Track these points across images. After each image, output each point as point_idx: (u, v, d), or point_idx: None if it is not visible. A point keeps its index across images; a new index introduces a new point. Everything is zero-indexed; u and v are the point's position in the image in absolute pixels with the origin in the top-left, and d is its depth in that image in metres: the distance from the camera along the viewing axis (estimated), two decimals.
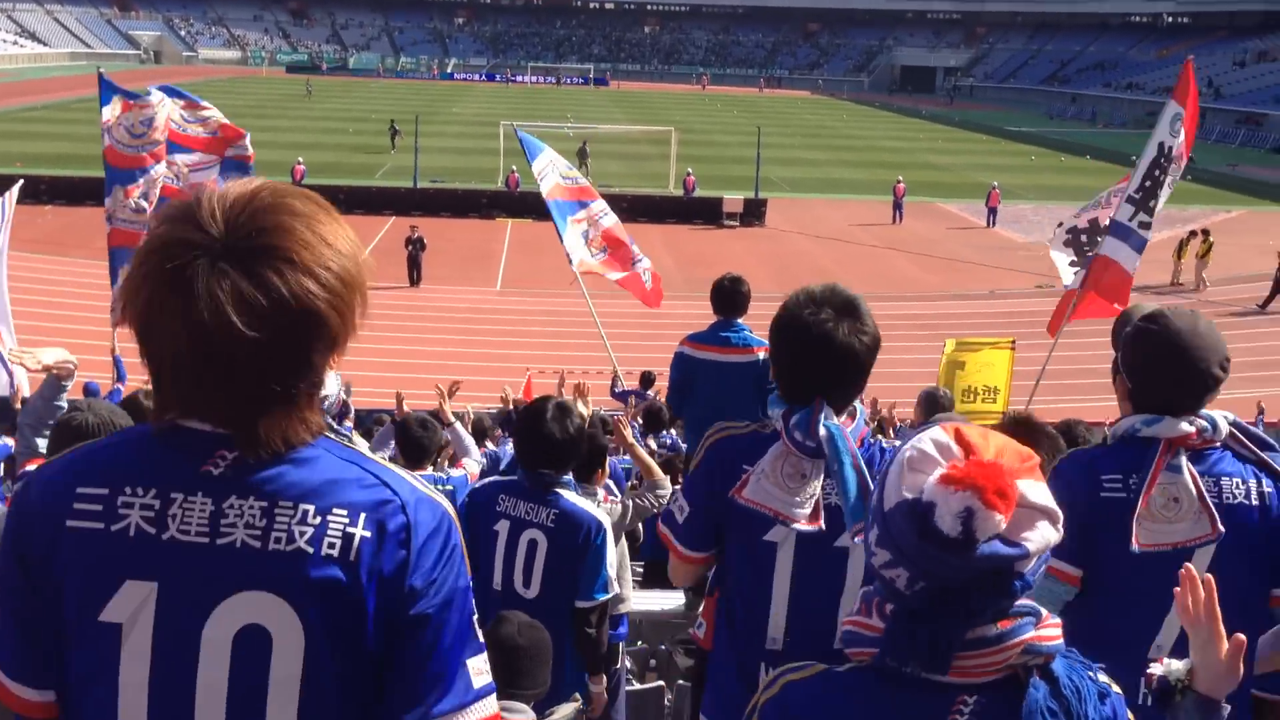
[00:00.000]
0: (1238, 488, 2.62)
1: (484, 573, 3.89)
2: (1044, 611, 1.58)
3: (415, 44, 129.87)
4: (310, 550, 1.44)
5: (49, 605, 1.47)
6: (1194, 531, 2.56)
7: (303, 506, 1.45)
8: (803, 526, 2.48)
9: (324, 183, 35.90)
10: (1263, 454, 2.66)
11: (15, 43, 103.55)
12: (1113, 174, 50.36)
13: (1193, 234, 28.71)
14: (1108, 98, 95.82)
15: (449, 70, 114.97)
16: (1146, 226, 9.38)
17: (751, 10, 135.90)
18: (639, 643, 5.76)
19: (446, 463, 6.54)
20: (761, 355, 6.50)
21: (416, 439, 5.57)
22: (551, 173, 13.23)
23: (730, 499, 2.53)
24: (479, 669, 1.56)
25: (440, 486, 5.55)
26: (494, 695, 1.58)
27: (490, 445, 9.08)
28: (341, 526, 1.46)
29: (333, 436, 1.55)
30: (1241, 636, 1.93)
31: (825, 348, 2.50)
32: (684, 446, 10.01)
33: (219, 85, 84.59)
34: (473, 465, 5.92)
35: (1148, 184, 9.27)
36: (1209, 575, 1.98)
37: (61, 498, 1.47)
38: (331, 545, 1.45)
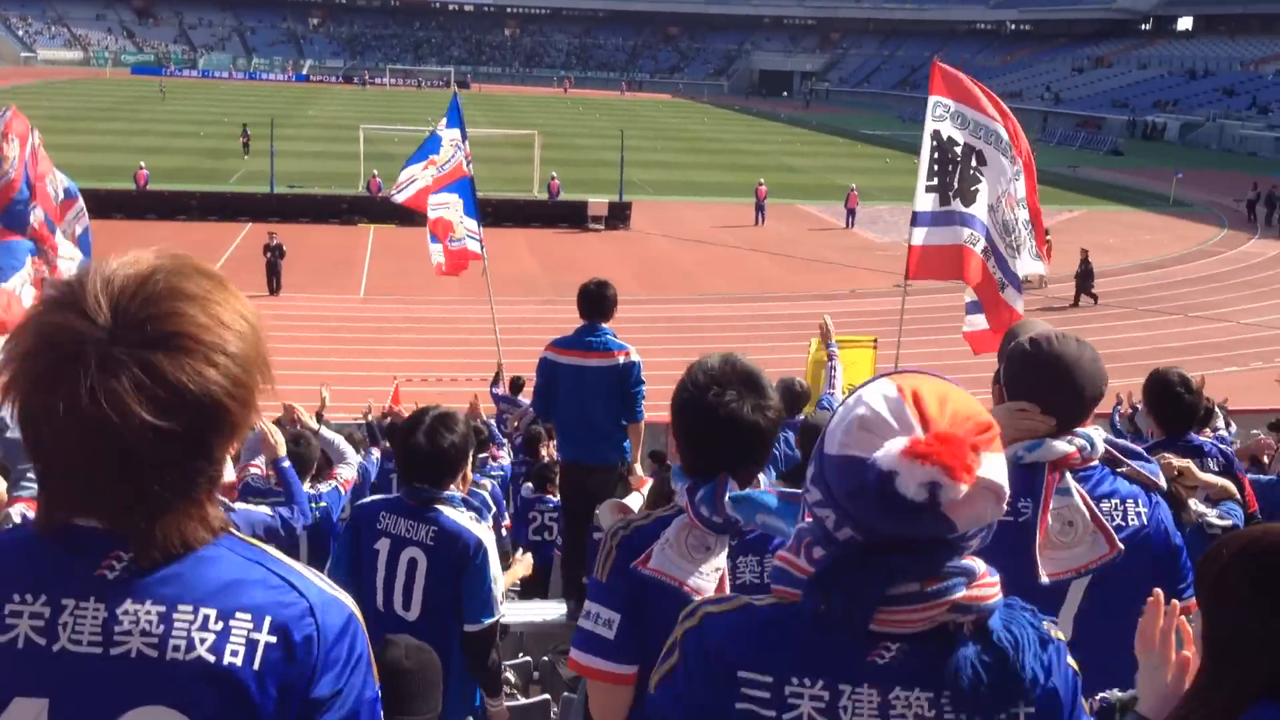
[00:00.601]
0: (1115, 509, 2.67)
1: (366, 594, 3.78)
2: (980, 569, 1.57)
3: (269, 45, 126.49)
4: (211, 659, 1.34)
5: None
6: (1093, 553, 2.58)
7: (203, 611, 1.35)
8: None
9: (174, 188, 34.77)
10: (1135, 465, 2.74)
11: None
12: None
13: None
14: None
15: (304, 72, 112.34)
16: (960, 200, 9.54)
17: (612, 14, 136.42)
18: (520, 654, 5.70)
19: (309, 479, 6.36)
20: (622, 359, 6.54)
21: (294, 455, 5.42)
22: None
23: (654, 599, 2.39)
24: None
25: (314, 504, 5.43)
26: None
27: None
28: (245, 632, 1.36)
29: (235, 533, 1.45)
30: (1187, 654, 1.96)
31: (730, 428, 2.42)
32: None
33: (59, 87, 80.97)
34: (348, 471, 5.78)
35: (936, 169, 9.56)
36: (1175, 602, 2.03)
37: None
38: (234, 653, 1.35)
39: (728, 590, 2.40)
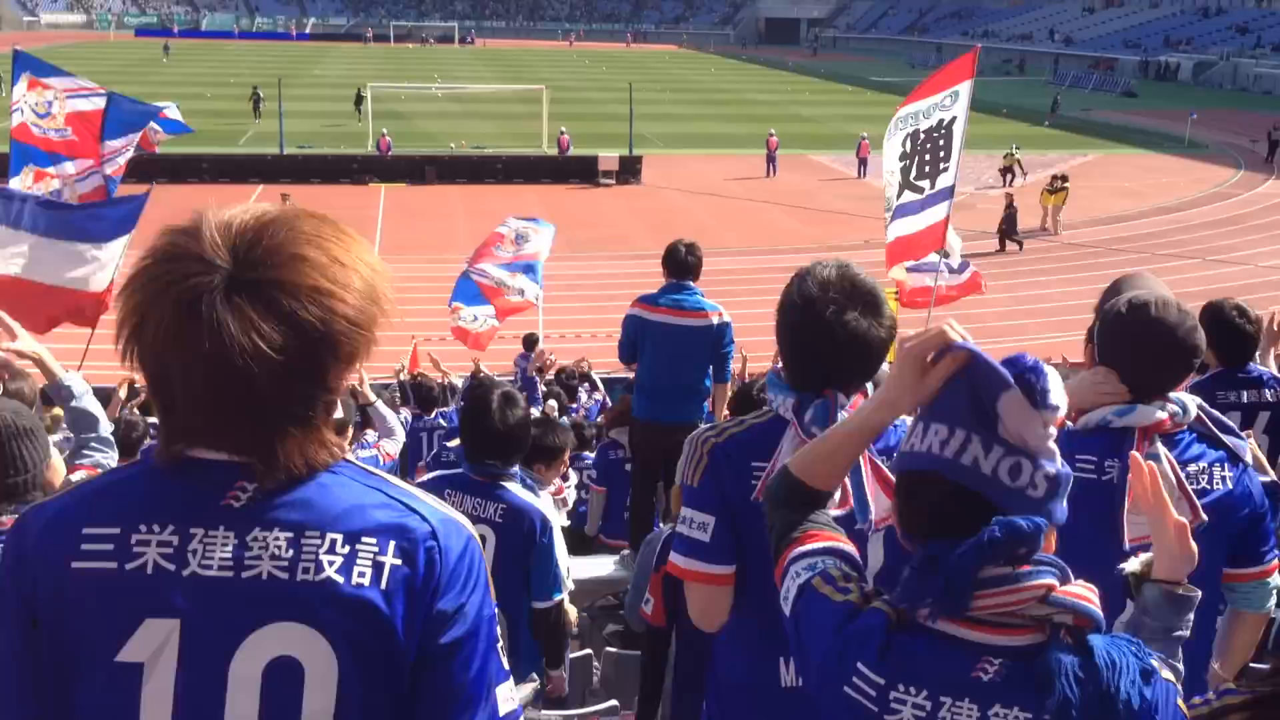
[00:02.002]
0: (1202, 473, 2.66)
1: None
2: (1068, 571, 1.60)
3: (272, 3, 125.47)
4: (340, 579, 1.40)
5: (56, 652, 1.41)
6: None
7: (330, 535, 1.41)
8: (834, 511, 2.29)
9: (184, 151, 34.62)
10: (1224, 437, 2.71)
11: None
12: (974, 121, 51.53)
13: (1054, 178, 29.69)
14: (965, 46, 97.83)
15: (308, 30, 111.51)
16: (930, 181, 9.55)
17: None
18: None
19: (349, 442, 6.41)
20: (715, 320, 6.52)
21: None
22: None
23: (750, 504, 2.36)
24: (506, 696, 1.55)
25: None
26: None
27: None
28: (371, 554, 1.42)
29: (353, 460, 1.51)
30: (1182, 521, 1.98)
31: (851, 344, 2.32)
32: (596, 409, 9.97)
33: (64, 51, 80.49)
34: (392, 446, 5.81)
35: (908, 165, 9.56)
36: (1149, 463, 2.03)
37: (65, 538, 1.41)
38: (361, 574, 1.41)
39: (850, 500, 2.32)
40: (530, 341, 14.33)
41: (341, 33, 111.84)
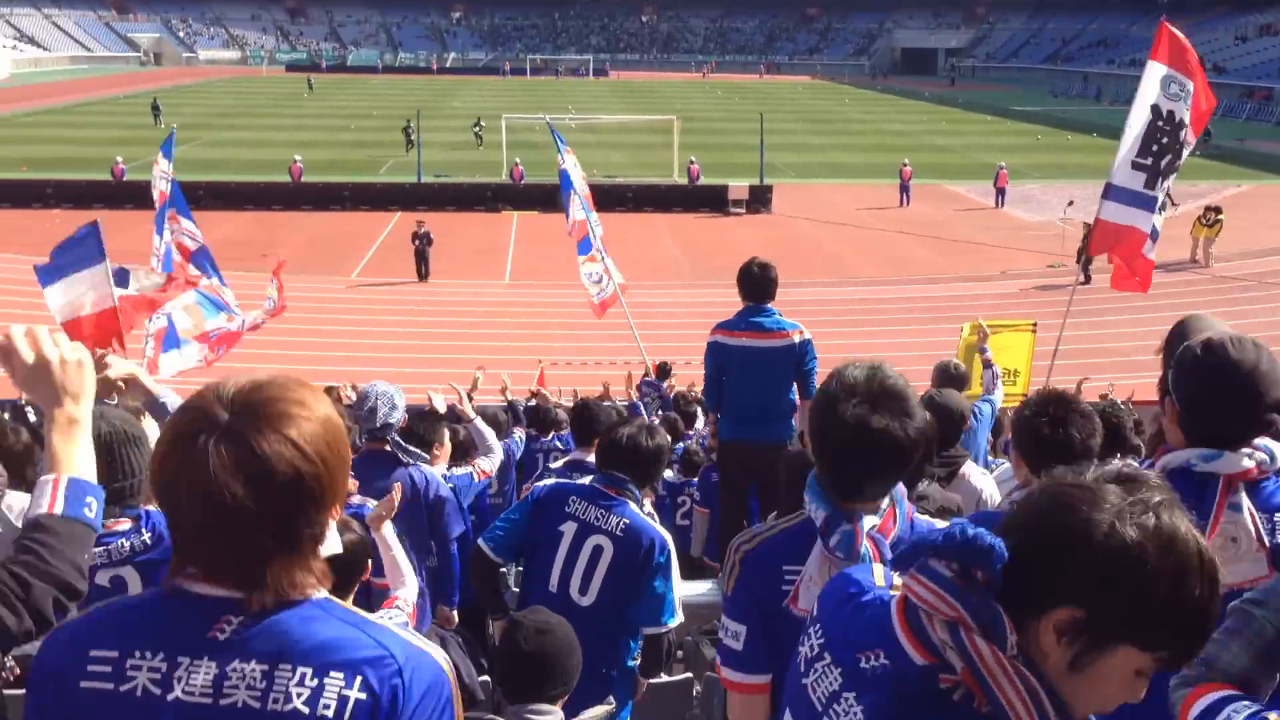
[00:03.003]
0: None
1: (542, 572, 3.88)
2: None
3: (414, 39, 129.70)
4: (306, 710, 1.53)
5: None
6: (1253, 572, 2.45)
7: (300, 669, 1.55)
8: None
9: (326, 179, 35.92)
10: None
11: (14, 48, 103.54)
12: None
13: (1207, 209, 28.50)
14: (1112, 75, 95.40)
15: (448, 65, 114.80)
16: (1156, 183, 9.11)
17: None
18: None
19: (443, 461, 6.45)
20: (797, 338, 6.47)
21: (417, 437, 5.55)
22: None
23: (784, 610, 2.40)
24: None
25: (448, 484, 5.54)
26: None
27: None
28: (337, 688, 1.54)
29: (333, 599, 1.64)
30: None
31: (875, 444, 2.31)
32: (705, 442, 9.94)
33: (220, 86, 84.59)
34: (488, 464, 5.87)
35: (1155, 149, 9.02)
36: None
37: (76, 659, 1.59)
38: (326, 706, 1.53)
39: None
40: (665, 371, 14.42)
41: (480, 66, 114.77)
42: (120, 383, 4.18)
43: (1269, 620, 1.78)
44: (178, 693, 1.54)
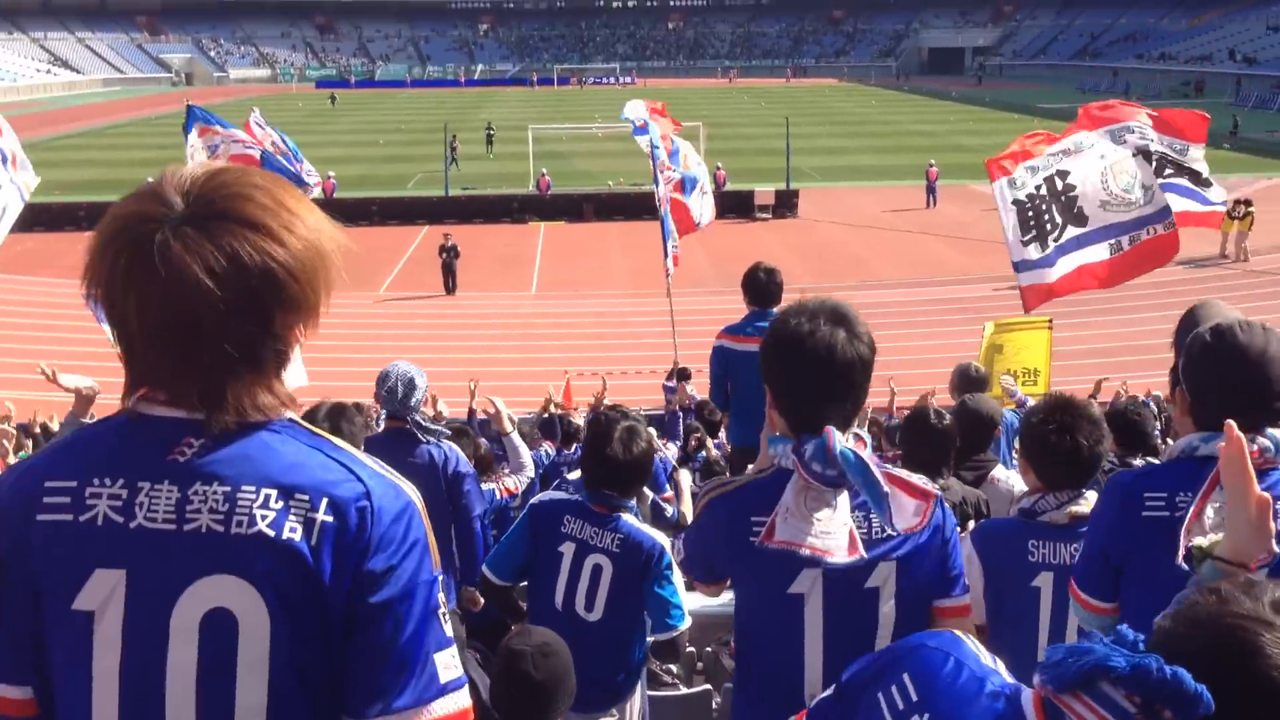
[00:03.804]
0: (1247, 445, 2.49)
1: (545, 591, 3.89)
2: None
3: (442, 52, 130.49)
4: (271, 533, 1.45)
5: (24, 599, 1.49)
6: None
7: (264, 491, 1.47)
8: (843, 559, 2.34)
9: (356, 195, 36.18)
10: None
11: (49, 71, 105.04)
12: None
13: (1237, 203, 28.16)
14: (1141, 69, 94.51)
15: (475, 77, 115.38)
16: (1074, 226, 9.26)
17: (775, 1, 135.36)
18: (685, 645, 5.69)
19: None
20: None
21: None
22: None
23: (754, 549, 2.41)
24: (446, 663, 1.54)
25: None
26: (464, 690, 1.56)
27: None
28: (304, 510, 1.47)
29: (299, 421, 1.56)
30: (1266, 495, 1.86)
31: (829, 359, 2.38)
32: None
33: (251, 104, 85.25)
34: (514, 482, 5.91)
35: (1031, 223, 9.22)
36: (1239, 434, 1.91)
37: (31, 491, 1.50)
38: (293, 530, 1.46)
39: (860, 548, 2.36)
40: (683, 374, 14.35)
41: (507, 78, 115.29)
42: (80, 391, 4.45)
43: None
44: (140, 519, 1.46)
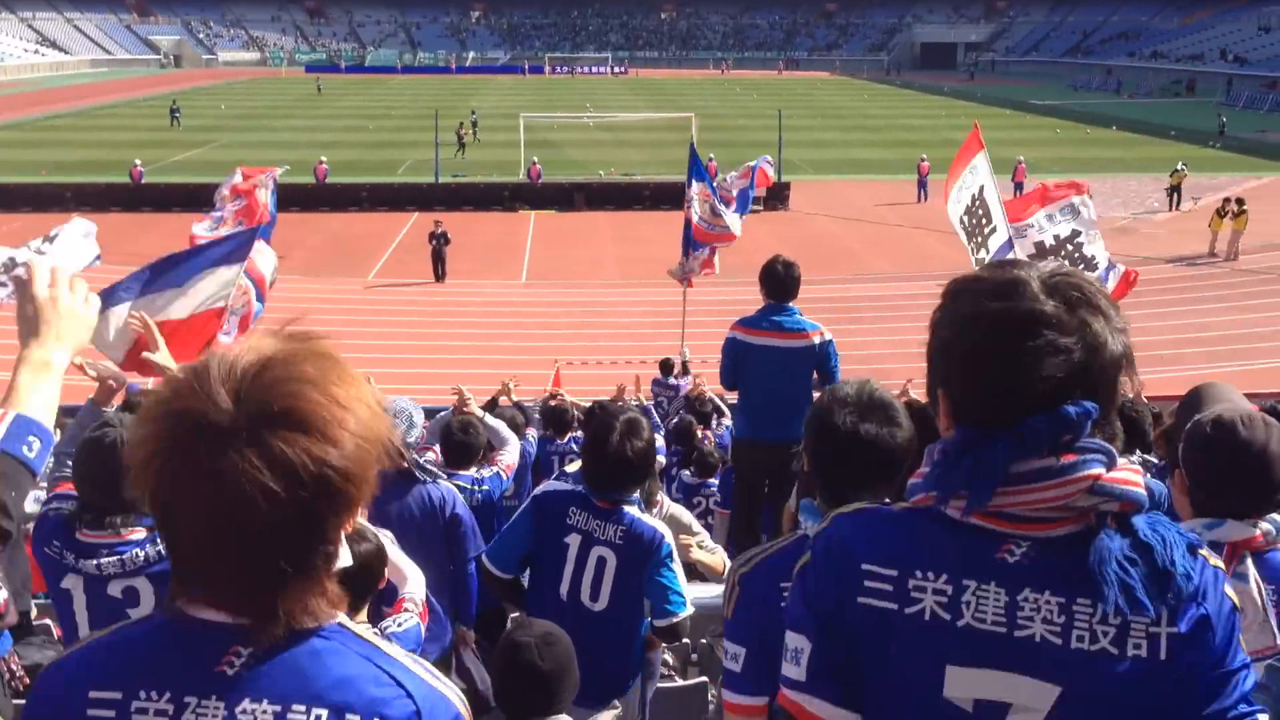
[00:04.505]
0: None
1: (551, 581, 3.88)
2: (1121, 459, 1.48)
3: (434, 39, 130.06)
4: None
5: None
6: (1257, 643, 2.43)
7: (315, 710, 1.42)
8: None
9: (346, 180, 36.04)
10: None
11: (37, 51, 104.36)
12: (1138, 144, 49.82)
13: (1228, 201, 28.23)
14: (1133, 68, 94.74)
15: (467, 64, 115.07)
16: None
17: None
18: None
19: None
20: (818, 340, 6.40)
21: (459, 443, 5.57)
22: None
23: (778, 608, 2.46)
24: None
25: (477, 487, 5.53)
26: None
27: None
28: None
29: (348, 625, 1.51)
30: None
31: (868, 451, 2.46)
32: (727, 435, 9.90)
33: (240, 87, 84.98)
34: (508, 456, 5.88)
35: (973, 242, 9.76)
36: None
37: (74, 702, 1.44)
38: None
39: None
40: (668, 366, 14.33)
41: (499, 65, 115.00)
42: (107, 381, 4.29)
43: None
44: None
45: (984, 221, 9.57)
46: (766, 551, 2.58)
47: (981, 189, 9.60)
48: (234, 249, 7.77)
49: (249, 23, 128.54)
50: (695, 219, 14.19)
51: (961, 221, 9.85)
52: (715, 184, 14.82)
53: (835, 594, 1.57)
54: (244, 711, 1.40)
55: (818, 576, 1.62)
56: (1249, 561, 2.49)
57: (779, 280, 6.43)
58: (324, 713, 1.41)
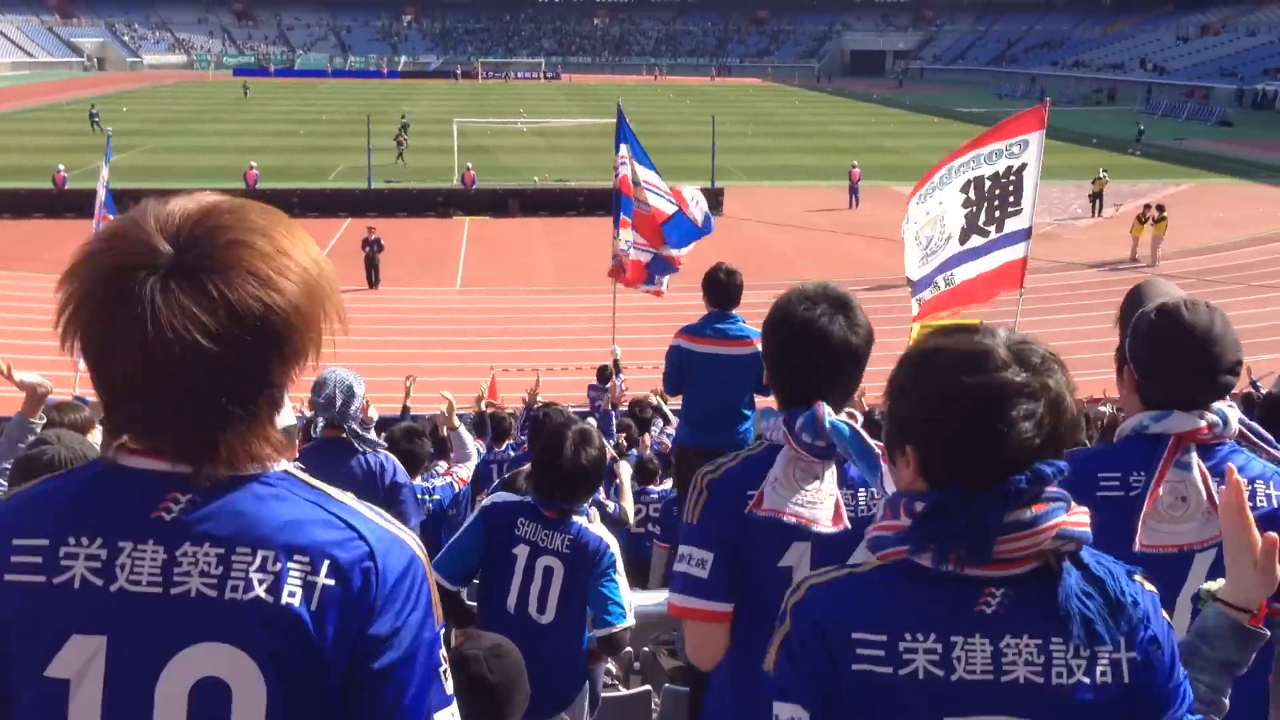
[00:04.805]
0: (1244, 488, 2.47)
1: (499, 593, 3.86)
2: (1071, 499, 1.61)
3: (364, 42, 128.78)
4: (269, 599, 1.35)
5: None
6: (1201, 533, 2.43)
7: (261, 552, 1.36)
8: (827, 528, 2.41)
9: (276, 186, 35.53)
10: (1268, 450, 2.54)
11: None
12: (1062, 151, 50.78)
13: (1148, 207, 29.01)
14: (1056, 76, 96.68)
15: (399, 68, 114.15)
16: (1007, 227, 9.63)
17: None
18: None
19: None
20: (760, 347, 6.46)
21: (405, 452, 5.55)
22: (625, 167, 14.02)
23: (746, 519, 2.44)
24: None
25: (427, 496, 5.52)
26: None
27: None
28: (303, 573, 1.36)
29: (294, 472, 1.45)
30: (1273, 535, 1.87)
31: (822, 345, 2.47)
32: (669, 443, 9.95)
33: (165, 91, 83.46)
34: (465, 470, 5.89)
35: (969, 209, 9.56)
36: (1239, 478, 1.94)
37: None
38: (292, 594, 1.35)
39: (845, 519, 2.43)
40: (605, 374, 14.35)
41: (431, 70, 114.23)
42: (35, 389, 4.22)
43: (1200, 679, 1.84)
44: (122, 582, 1.34)
45: (1009, 200, 9.45)
46: (735, 459, 2.57)
47: (1024, 167, 9.38)
48: None
49: (175, 25, 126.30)
50: (629, 181, 14.10)
51: (966, 192, 9.65)
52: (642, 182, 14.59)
53: (829, 665, 1.61)
54: (184, 554, 1.35)
55: (806, 650, 1.64)
56: (1194, 453, 2.46)
57: (722, 288, 6.46)
58: (270, 554, 1.35)
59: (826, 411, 2.43)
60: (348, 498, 1.46)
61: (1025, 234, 9.37)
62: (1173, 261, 27.95)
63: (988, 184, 9.49)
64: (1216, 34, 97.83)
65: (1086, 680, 1.58)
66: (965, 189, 9.59)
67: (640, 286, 13.78)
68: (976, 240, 9.55)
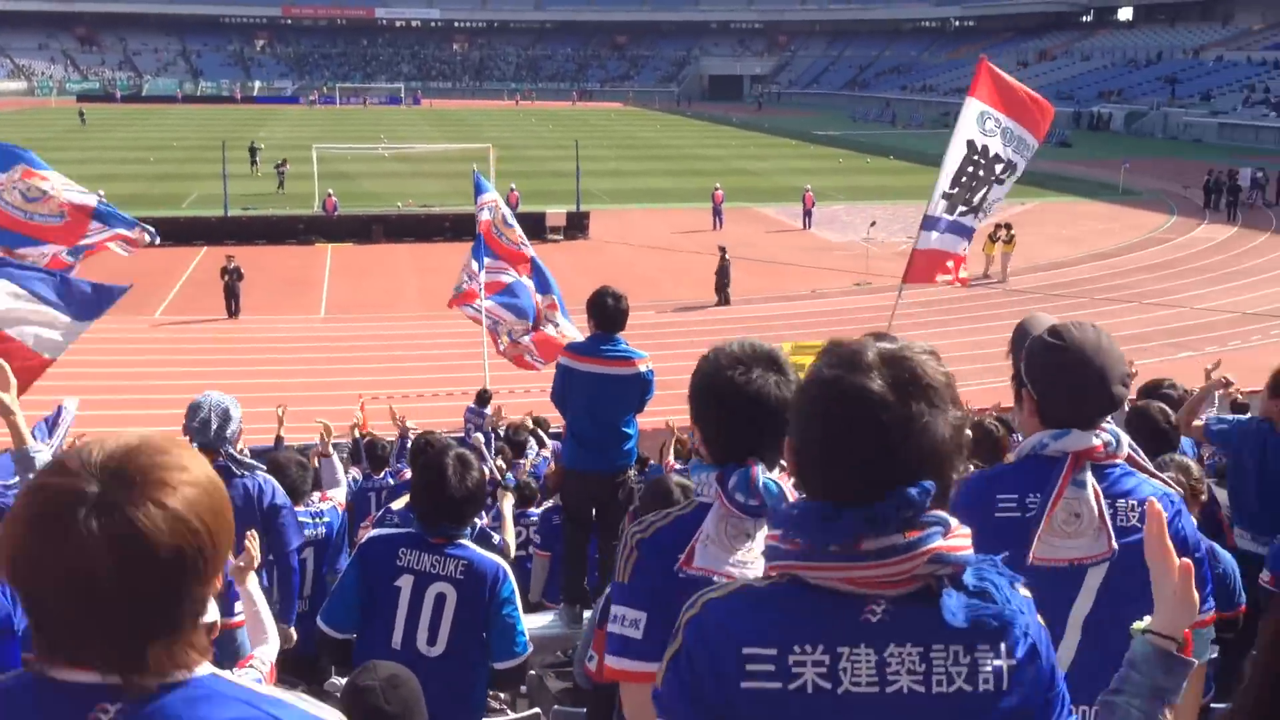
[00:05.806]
0: (1133, 510, 2.61)
1: (381, 630, 3.77)
2: (953, 522, 1.61)
3: (216, 67, 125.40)
4: None
5: None
6: (1091, 549, 2.55)
7: None
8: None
9: (127, 215, 34.32)
10: (1159, 474, 2.70)
11: None
12: (914, 172, 52.57)
13: (998, 226, 30.24)
14: (906, 100, 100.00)
15: (253, 94, 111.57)
16: (971, 214, 9.80)
17: (560, 25, 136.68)
18: None
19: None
20: (643, 368, 6.57)
21: (294, 481, 5.45)
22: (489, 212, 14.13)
23: (676, 576, 2.40)
24: None
25: (318, 519, 5.45)
26: None
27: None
28: None
29: (219, 674, 1.51)
30: (1188, 562, 1.95)
31: (757, 405, 2.43)
32: (544, 466, 9.95)
33: (4, 119, 79.85)
34: (340, 494, 5.82)
35: (964, 179, 9.66)
36: (1160, 508, 2.02)
37: None
38: None
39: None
40: (484, 398, 14.28)
41: (286, 95, 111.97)
42: (10, 418, 3.93)
43: (1132, 705, 1.87)
44: None
45: (980, 175, 9.44)
46: (666, 518, 2.53)
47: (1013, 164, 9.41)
48: (91, 304, 7.41)
49: (14, 51, 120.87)
50: (490, 229, 14.13)
51: (969, 149, 9.60)
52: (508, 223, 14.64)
53: (717, 684, 1.62)
54: None
55: (694, 667, 1.66)
56: (1088, 472, 2.58)
57: (608, 313, 6.57)
58: None
59: (761, 470, 2.40)
60: (275, 691, 1.53)
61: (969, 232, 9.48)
62: (1022, 278, 29.18)
63: (979, 158, 9.49)
64: (1054, 59, 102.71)
65: (968, 688, 1.59)
66: (970, 146, 9.53)
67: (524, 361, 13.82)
68: (961, 211, 9.59)
